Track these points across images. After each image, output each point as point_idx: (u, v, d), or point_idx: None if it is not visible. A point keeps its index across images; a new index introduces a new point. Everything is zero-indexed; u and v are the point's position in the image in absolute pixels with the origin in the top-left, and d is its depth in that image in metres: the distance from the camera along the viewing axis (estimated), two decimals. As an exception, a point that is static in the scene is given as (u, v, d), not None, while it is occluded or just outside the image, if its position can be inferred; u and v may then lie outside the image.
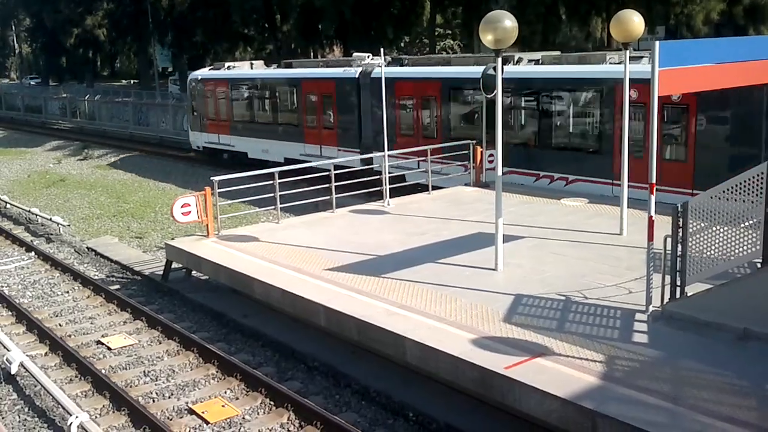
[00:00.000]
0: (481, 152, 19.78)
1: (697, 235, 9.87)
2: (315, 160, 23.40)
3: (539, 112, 20.00)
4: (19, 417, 10.56)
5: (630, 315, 10.44)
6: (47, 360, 12.42)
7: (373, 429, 9.66)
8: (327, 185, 17.33)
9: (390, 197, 18.17)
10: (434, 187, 19.52)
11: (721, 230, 9.71)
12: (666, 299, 10.29)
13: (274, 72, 29.61)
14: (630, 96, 14.06)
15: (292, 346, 12.20)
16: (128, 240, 20.91)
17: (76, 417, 9.50)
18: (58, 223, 21.64)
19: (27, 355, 11.90)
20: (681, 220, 9.88)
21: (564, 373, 8.76)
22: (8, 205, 25.33)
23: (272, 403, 10.37)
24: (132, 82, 72.08)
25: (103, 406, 10.66)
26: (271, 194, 16.60)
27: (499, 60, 12.00)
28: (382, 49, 18.35)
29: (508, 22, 11.45)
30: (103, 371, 11.61)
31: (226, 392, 10.87)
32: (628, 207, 14.34)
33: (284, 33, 54.27)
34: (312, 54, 51.41)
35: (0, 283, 16.87)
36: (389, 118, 20.93)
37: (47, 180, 32.59)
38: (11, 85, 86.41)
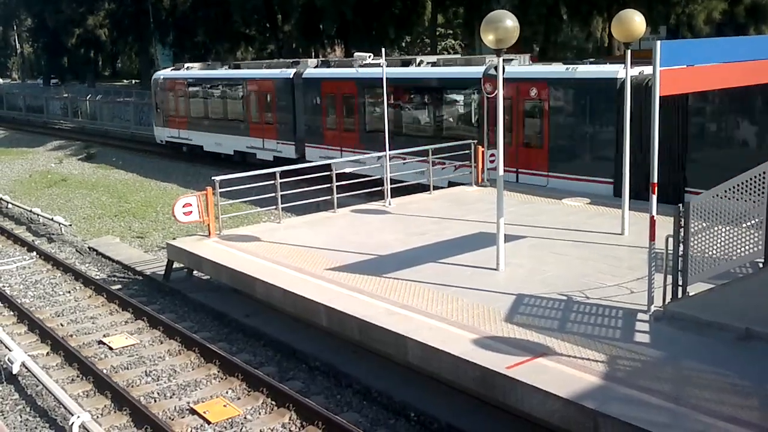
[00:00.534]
0: (483, 152, 19.78)
1: (699, 235, 9.86)
2: (258, 152, 29.20)
3: (430, 106, 23.42)
4: (21, 417, 10.57)
5: (631, 315, 10.44)
6: (49, 360, 12.43)
7: (374, 429, 9.66)
8: (328, 185, 17.33)
9: (391, 197, 18.17)
10: (435, 187, 19.52)
11: (723, 230, 9.71)
12: (668, 299, 10.28)
13: (224, 72, 32.60)
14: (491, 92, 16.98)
15: (293, 345, 12.21)
16: (130, 240, 20.92)
17: (78, 417, 9.50)
18: (59, 223, 21.65)
19: (29, 355, 11.91)
20: (682, 219, 9.88)
21: (566, 373, 8.76)
22: (10, 205, 25.34)
23: (274, 403, 10.38)
24: (133, 82, 72.08)
25: (105, 405, 10.67)
26: (273, 194, 16.61)
27: (500, 60, 12.01)
28: (383, 49, 18.35)
29: (509, 22, 11.45)
30: (104, 371, 11.61)
31: (227, 392, 10.87)
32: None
33: (285, 33, 54.24)
34: (313, 54, 51.40)
35: (2, 282, 16.88)
36: (318, 113, 26.51)
37: (49, 180, 32.60)
38: (12, 85, 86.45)
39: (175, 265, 16.10)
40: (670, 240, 10.05)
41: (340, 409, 10.13)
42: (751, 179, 9.43)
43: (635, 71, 17.12)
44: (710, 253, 9.84)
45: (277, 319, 13.14)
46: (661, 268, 10.36)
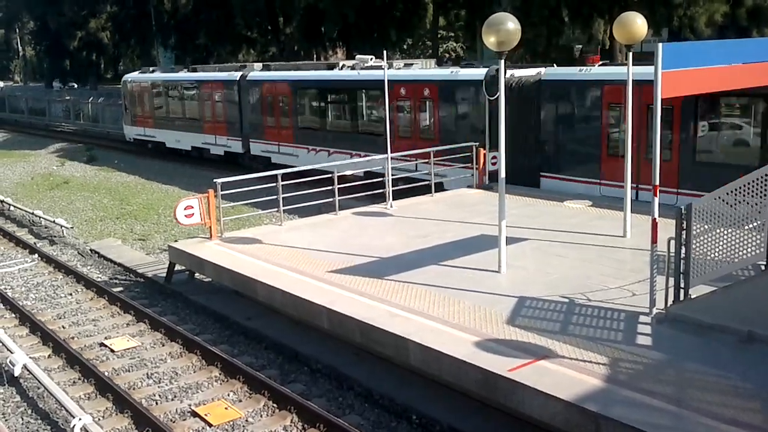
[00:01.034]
0: (484, 154, 19.79)
1: (701, 238, 9.85)
2: (212, 147, 32.64)
3: (348, 105, 26.48)
4: (23, 419, 10.57)
5: (634, 317, 10.43)
6: (50, 362, 12.43)
7: (376, 431, 9.65)
8: (330, 187, 17.33)
9: (393, 199, 18.17)
10: (436, 189, 19.53)
11: (725, 232, 9.69)
12: (670, 302, 10.27)
13: (182, 75, 35.66)
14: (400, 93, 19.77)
15: (295, 348, 12.20)
16: (131, 242, 20.92)
17: (80, 419, 9.51)
18: (61, 225, 21.66)
19: (30, 357, 11.92)
20: (685, 222, 9.87)
21: (568, 375, 8.75)
22: (12, 207, 25.36)
23: (275, 405, 10.37)
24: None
25: (107, 408, 10.67)
26: (275, 196, 16.61)
27: (502, 63, 12.00)
28: (384, 52, 18.38)
29: (511, 24, 11.44)
30: (106, 373, 11.61)
31: (229, 394, 10.87)
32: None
33: (287, 35, 54.26)
34: (315, 56, 51.43)
35: (3, 285, 16.89)
36: (260, 112, 29.59)
37: (51, 182, 32.62)
38: (15, 88, 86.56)
39: (177, 267, 16.10)
40: (672, 242, 10.04)
41: (341, 412, 10.12)
42: (753, 182, 9.41)
43: (507, 74, 20.10)
44: (712, 255, 9.83)
45: (279, 322, 13.13)
46: (663, 270, 10.36)
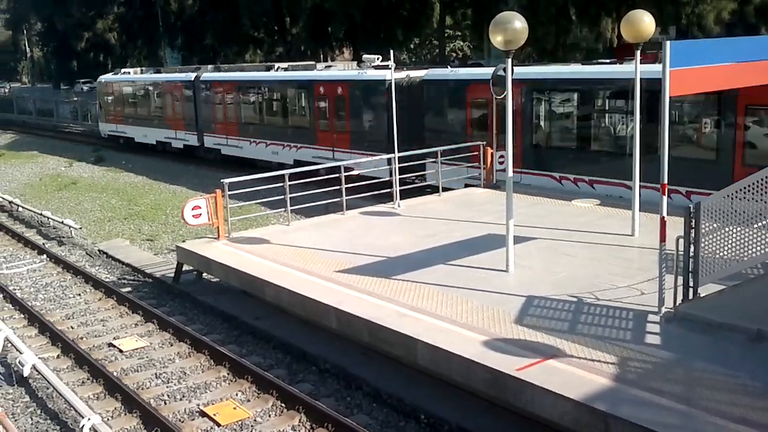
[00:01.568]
0: (492, 153, 19.78)
1: (710, 236, 9.81)
2: (173, 141, 36.31)
3: (279, 102, 30.03)
4: (32, 419, 10.60)
5: (642, 316, 10.40)
6: (59, 362, 12.47)
7: (384, 431, 9.65)
8: (337, 187, 17.34)
9: (400, 199, 18.17)
10: (444, 189, 19.52)
11: (734, 231, 9.65)
12: (678, 300, 10.24)
13: (147, 76, 39.79)
14: (320, 92, 25.08)
15: (303, 348, 12.20)
16: (139, 242, 20.97)
17: (89, 419, 9.52)
18: (69, 226, 21.73)
19: (39, 358, 11.95)
20: (693, 220, 9.83)
21: (576, 374, 8.73)
22: (20, 208, 25.44)
23: (284, 405, 10.37)
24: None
25: (115, 408, 10.69)
26: (282, 196, 16.62)
27: (509, 62, 11.97)
28: (391, 51, 18.36)
29: (518, 23, 11.41)
30: (114, 373, 11.64)
31: (237, 394, 10.88)
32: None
33: (294, 35, 54.32)
34: (322, 56, 51.46)
35: (12, 285, 16.94)
36: (211, 109, 33.51)
37: (59, 183, 32.72)
38: (23, 89, 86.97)
39: (185, 267, 16.13)
40: (681, 241, 10.00)
41: (350, 411, 10.12)
42: (762, 179, 9.36)
43: (402, 75, 24.21)
44: (721, 254, 9.79)
45: (287, 322, 13.14)
46: (671, 269, 10.31)
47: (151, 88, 38.54)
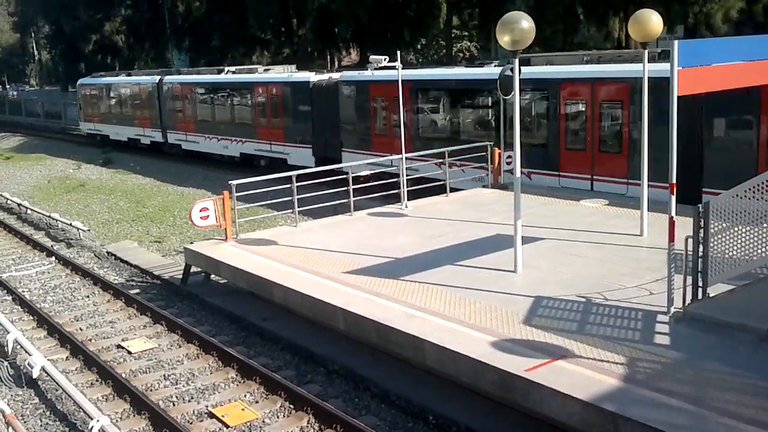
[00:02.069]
0: (499, 154, 19.75)
1: (719, 236, 9.77)
2: (142, 137, 40.25)
3: (229, 101, 33.37)
4: (41, 421, 10.63)
5: (651, 316, 10.36)
6: (68, 364, 12.49)
7: (392, 432, 9.65)
8: (345, 188, 17.34)
9: (408, 200, 18.15)
10: (452, 189, 19.51)
11: (744, 230, 9.61)
12: (688, 300, 10.19)
13: (119, 79, 43.85)
14: (259, 92, 30.72)
15: (311, 349, 12.21)
16: (147, 244, 21.02)
17: (97, 421, 9.54)
18: (78, 228, 21.78)
19: (48, 360, 11.98)
20: (702, 220, 9.79)
21: (585, 375, 8.70)
22: (29, 211, 25.54)
23: (292, 406, 10.37)
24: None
25: (124, 409, 10.71)
26: (289, 197, 16.63)
27: (516, 61, 11.95)
28: (398, 52, 18.34)
29: (525, 23, 11.38)
30: (123, 375, 11.66)
31: (245, 396, 10.88)
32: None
33: (300, 37, 54.30)
34: (329, 57, 51.45)
35: (21, 287, 17.00)
36: (173, 108, 37.17)
37: (67, 185, 32.83)
38: (31, 92, 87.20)
39: (193, 269, 16.15)
40: (690, 241, 9.96)
41: (358, 413, 10.11)
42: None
43: (325, 77, 28.36)
44: (730, 253, 9.74)
45: (295, 323, 13.15)
46: (680, 269, 10.27)
47: (122, 90, 42.38)
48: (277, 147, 29.98)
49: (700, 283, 10.02)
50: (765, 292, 9.59)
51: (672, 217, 10.03)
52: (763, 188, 9.37)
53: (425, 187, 19.84)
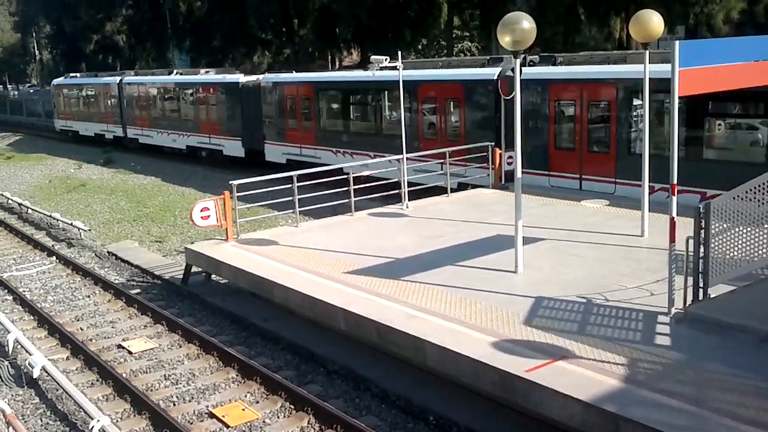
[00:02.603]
0: (500, 154, 19.76)
1: (720, 237, 9.76)
2: (106, 133, 44.66)
3: (182, 101, 37.17)
4: (42, 420, 10.63)
5: (652, 317, 10.35)
6: (69, 364, 12.50)
7: (393, 432, 9.64)
8: (346, 188, 17.33)
9: (409, 200, 18.15)
10: (453, 189, 19.51)
11: (745, 231, 9.60)
12: (689, 301, 10.19)
13: (86, 79, 48.30)
14: (200, 91, 35.71)
15: (311, 349, 12.21)
16: (148, 244, 21.02)
17: (98, 421, 9.54)
18: (78, 228, 21.79)
19: (49, 359, 11.99)
20: (703, 221, 9.78)
21: (586, 376, 8.70)
22: (30, 210, 25.54)
23: (292, 406, 10.37)
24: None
25: (124, 409, 10.71)
26: (290, 198, 16.63)
27: (518, 62, 11.95)
28: (399, 52, 18.34)
29: (526, 23, 11.38)
30: (124, 375, 11.66)
31: (246, 396, 10.88)
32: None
33: (301, 37, 54.30)
34: (330, 57, 51.46)
35: (22, 287, 17.00)
36: (132, 106, 41.47)
37: (68, 185, 32.84)
38: (32, 92, 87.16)
39: (194, 269, 16.15)
40: (691, 241, 9.95)
41: (358, 413, 10.11)
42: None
43: (253, 78, 32.39)
44: (731, 254, 9.73)
45: (295, 323, 13.14)
46: (681, 269, 10.26)
47: (89, 90, 46.90)
48: (215, 140, 34.25)
49: (701, 284, 10.01)
50: (766, 293, 9.58)
51: (673, 217, 10.03)
52: (764, 189, 9.36)
53: (426, 188, 19.86)
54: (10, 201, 27.48)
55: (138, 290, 16.47)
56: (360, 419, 9.74)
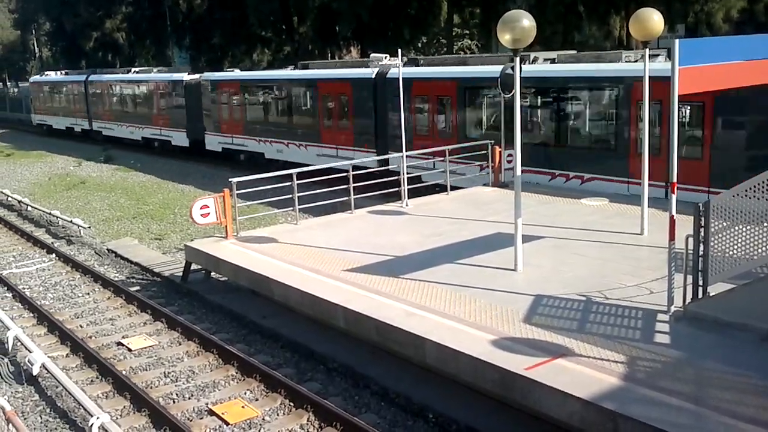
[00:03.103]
0: (500, 152, 19.76)
1: (720, 235, 9.77)
2: (75, 126, 49.21)
3: (150, 98, 40.49)
4: (41, 418, 10.64)
5: (652, 315, 10.36)
6: (68, 361, 12.51)
7: (392, 430, 9.64)
8: (345, 186, 17.34)
9: (408, 198, 18.15)
10: (453, 187, 19.52)
11: (744, 229, 9.60)
12: (688, 299, 10.20)
13: (58, 77, 52.77)
14: (159, 88, 39.58)
15: (311, 347, 12.21)
16: (148, 242, 21.02)
17: (97, 418, 9.55)
18: (78, 225, 21.79)
19: (48, 357, 11.99)
20: (703, 219, 9.79)
21: (585, 374, 8.70)
22: (29, 208, 25.53)
23: (292, 404, 10.38)
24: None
25: (124, 407, 10.72)
26: (290, 195, 16.63)
27: (518, 60, 11.94)
28: (399, 50, 18.35)
29: (526, 21, 11.38)
30: (123, 372, 11.67)
31: (245, 393, 10.89)
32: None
33: (301, 35, 54.24)
34: (329, 55, 51.39)
35: (22, 284, 17.00)
36: (99, 102, 45.90)
37: (68, 182, 32.83)
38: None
39: (193, 266, 16.15)
40: (690, 240, 9.96)
41: (358, 411, 10.12)
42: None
43: (196, 76, 36.21)
44: (731, 252, 9.74)
45: (295, 321, 13.15)
46: (681, 268, 10.27)
47: (60, 86, 51.29)
48: (165, 131, 38.74)
49: (701, 282, 10.02)
50: (765, 292, 9.59)
51: (672, 216, 10.03)
52: (763, 187, 9.37)
53: (426, 186, 19.87)
54: (9, 198, 27.47)
55: (137, 287, 16.47)
56: (359, 417, 9.75)
